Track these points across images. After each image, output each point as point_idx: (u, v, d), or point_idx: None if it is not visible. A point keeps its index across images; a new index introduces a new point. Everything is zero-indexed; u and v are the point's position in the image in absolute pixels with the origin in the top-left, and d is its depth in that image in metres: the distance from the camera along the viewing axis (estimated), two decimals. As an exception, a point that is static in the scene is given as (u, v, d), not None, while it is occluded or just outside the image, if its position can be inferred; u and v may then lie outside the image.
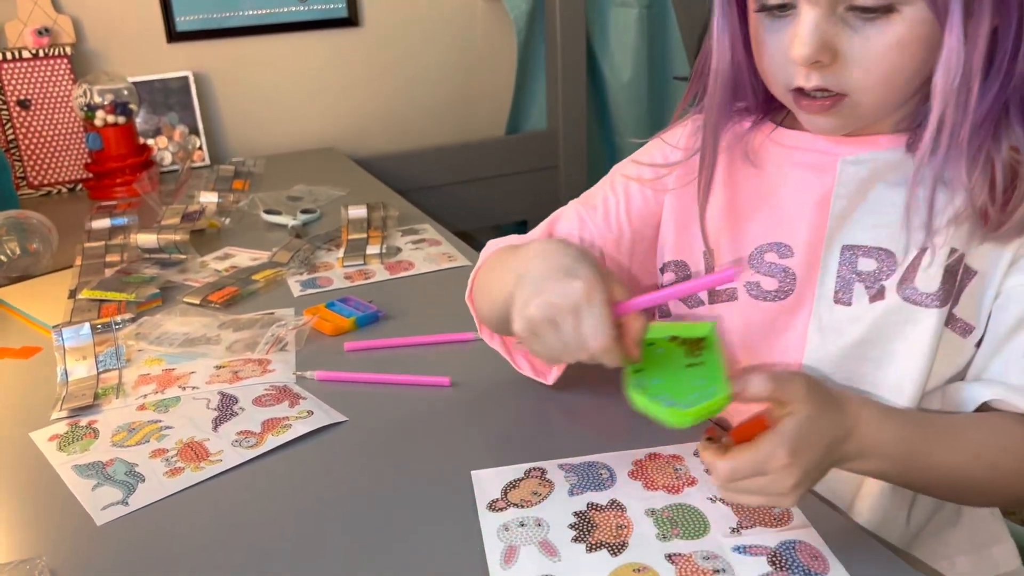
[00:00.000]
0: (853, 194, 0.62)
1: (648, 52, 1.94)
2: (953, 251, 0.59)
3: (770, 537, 0.55)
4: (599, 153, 2.07)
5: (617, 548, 0.55)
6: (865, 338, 0.62)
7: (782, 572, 0.52)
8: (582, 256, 0.59)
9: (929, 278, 0.60)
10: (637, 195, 0.72)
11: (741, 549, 0.54)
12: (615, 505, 0.59)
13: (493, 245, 0.77)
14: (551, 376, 0.75)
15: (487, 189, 1.93)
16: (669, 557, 0.54)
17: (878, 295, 0.61)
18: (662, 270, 0.73)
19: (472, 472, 0.64)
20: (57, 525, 0.63)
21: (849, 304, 0.63)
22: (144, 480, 0.67)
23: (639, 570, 0.53)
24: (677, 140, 0.72)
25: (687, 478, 0.62)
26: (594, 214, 0.73)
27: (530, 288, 0.57)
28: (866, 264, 0.62)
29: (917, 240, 0.59)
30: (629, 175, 0.73)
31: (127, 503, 0.64)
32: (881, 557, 0.53)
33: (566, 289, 0.55)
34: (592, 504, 0.60)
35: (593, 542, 0.56)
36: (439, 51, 1.88)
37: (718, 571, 0.52)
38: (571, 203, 0.76)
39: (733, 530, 0.56)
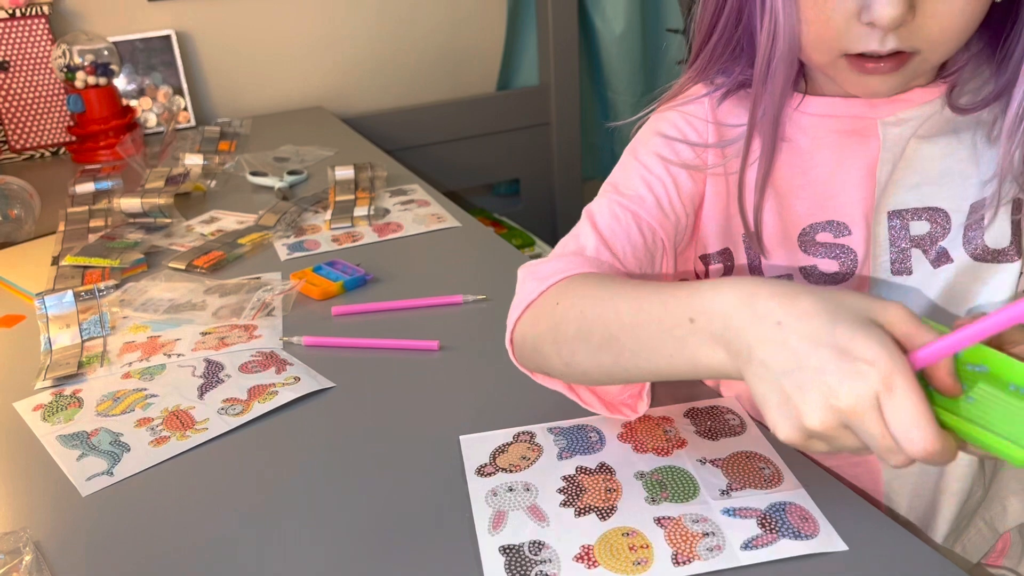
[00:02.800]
0: (897, 157, 0.59)
1: (641, 4, 1.90)
2: (1018, 201, 0.57)
3: (760, 499, 0.55)
4: (591, 109, 2.04)
5: (606, 512, 0.55)
6: (936, 306, 0.60)
7: (771, 534, 0.51)
8: (838, 306, 0.41)
9: (999, 232, 0.57)
10: (683, 176, 0.64)
11: (730, 511, 0.54)
12: (604, 468, 0.59)
13: (545, 273, 0.58)
14: (641, 407, 0.63)
15: (477, 147, 1.90)
16: (658, 520, 0.53)
17: (942, 258, 0.59)
18: (704, 260, 0.67)
19: (460, 437, 0.64)
20: (41, 496, 0.63)
21: (910, 273, 0.60)
22: (129, 450, 0.66)
23: (628, 534, 0.53)
24: (705, 115, 0.65)
25: (677, 440, 0.61)
26: (645, 204, 0.62)
27: (786, 379, 0.40)
28: (918, 227, 0.59)
29: (985, 192, 0.56)
30: (666, 156, 0.64)
31: (112, 473, 0.63)
32: (871, 518, 0.53)
33: (855, 384, 0.38)
34: (581, 468, 0.59)
35: (582, 506, 0.55)
36: (427, 5, 1.83)
37: (707, 534, 0.52)
38: (604, 197, 0.64)
39: (723, 492, 0.55)
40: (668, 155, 0.64)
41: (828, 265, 0.63)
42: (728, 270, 0.67)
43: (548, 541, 0.53)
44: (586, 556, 0.51)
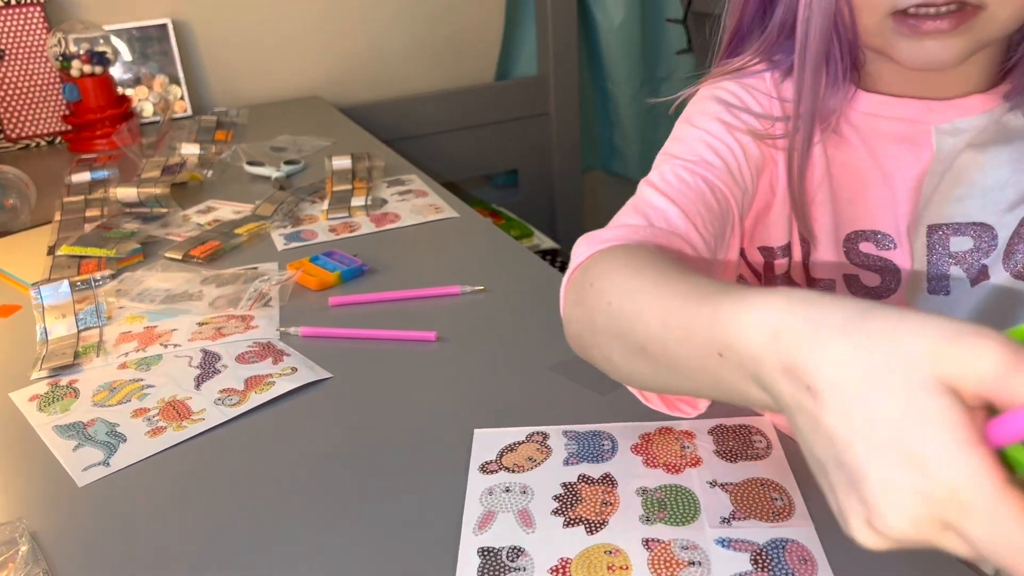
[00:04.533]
0: (946, 169, 0.54)
1: (640, -7, 1.89)
2: None
3: (762, 532, 0.50)
4: (591, 100, 2.03)
5: (596, 526, 0.53)
6: None
7: (762, 572, 0.48)
8: (890, 361, 0.29)
9: None
10: (751, 144, 0.57)
11: (725, 542, 0.50)
12: (607, 480, 0.57)
13: (596, 240, 0.50)
14: (702, 404, 0.57)
15: (476, 138, 1.89)
16: (646, 542, 0.51)
17: (980, 276, 0.54)
18: (767, 254, 0.60)
19: (475, 431, 0.63)
20: (37, 487, 0.62)
21: (947, 293, 0.55)
22: (126, 440, 0.66)
23: (611, 552, 0.51)
24: (768, 89, 0.59)
25: (692, 458, 0.57)
26: (714, 168, 0.55)
27: (831, 472, 0.31)
28: (960, 243, 0.54)
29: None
30: (729, 121, 0.57)
31: (108, 464, 0.63)
32: (880, 563, 0.50)
33: (927, 480, 0.27)
34: (584, 476, 0.57)
35: (573, 517, 0.54)
36: (426, -6, 1.83)
37: (693, 563, 0.48)
38: (663, 165, 0.56)
39: (724, 520, 0.52)
40: (732, 121, 0.57)
41: (870, 278, 0.58)
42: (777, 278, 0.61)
43: (528, 548, 0.51)
44: (562, 569, 0.49)
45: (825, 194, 0.58)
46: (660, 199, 0.52)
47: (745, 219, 0.57)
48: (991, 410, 0.28)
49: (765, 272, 0.63)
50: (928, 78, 0.54)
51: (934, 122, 0.54)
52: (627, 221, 0.52)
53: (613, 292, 0.44)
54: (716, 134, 0.57)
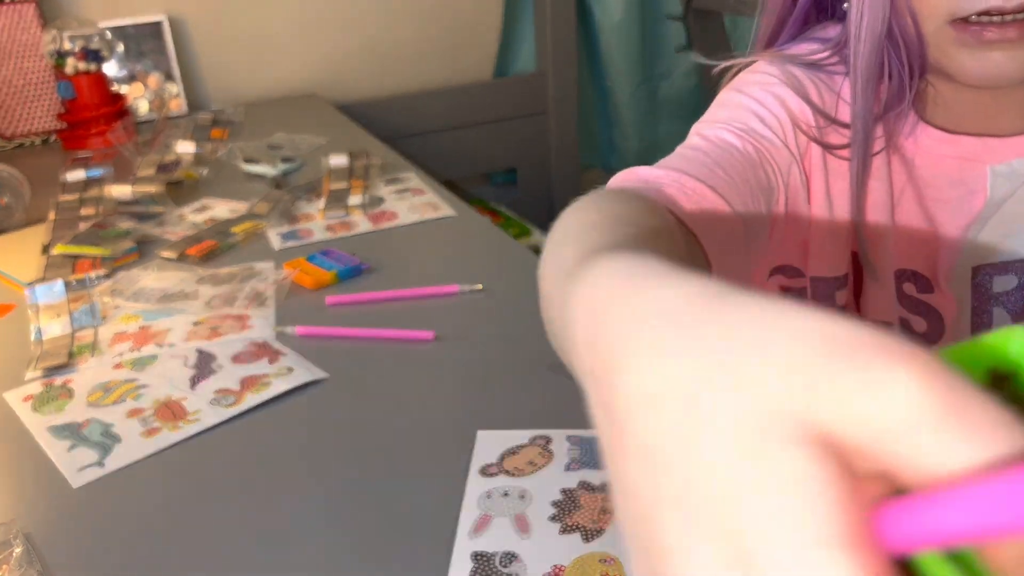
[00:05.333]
0: (994, 212, 0.50)
1: (639, -10, 1.88)
2: None
3: None
4: (590, 98, 2.02)
5: (592, 534, 0.52)
6: None
7: None
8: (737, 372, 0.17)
9: None
10: (794, 134, 0.50)
11: None
12: (607, 487, 0.56)
13: (615, 181, 0.44)
14: None
15: (474, 136, 1.88)
16: None
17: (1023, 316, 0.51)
18: (773, 272, 0.55)
19: (478, 432, 0.62)
20: (32, 488, 0.62)
21: None
22: (120, 441, 0.65)
23: (605, 560, 0.50)
24: (835, 86, 0.53)
25: None
26: (763, 140, 0.49)
27: (646, 512, 0.18)
28: (1003, 283, 0.51)
29: None
30: (783, 97, 0.51)
31: (103, 464, 0.63)
32: None
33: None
34: (584, 483, 0.57)
35: (570, 524, 0.53)
36: (423, -9, 1.82)
37: None
38: (704, 128, 0.50)
39: None
40: (786, 98, 0.51)
41: (918, 323, 0.53)
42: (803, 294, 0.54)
43: (522, 554, 0.51)
44: None
45: (890, 219, 0.52)
46: (699, 145, 0.47)
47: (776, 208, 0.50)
48: (897, 487, 0.16)
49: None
50: (989, 110, 0.51)
51: (991, 161, 0.50)
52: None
53: (553, 237, 0.36)
54: (767, 104, 0.50)
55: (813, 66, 0.52)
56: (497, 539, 0.52)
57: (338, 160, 1.19)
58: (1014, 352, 0.17)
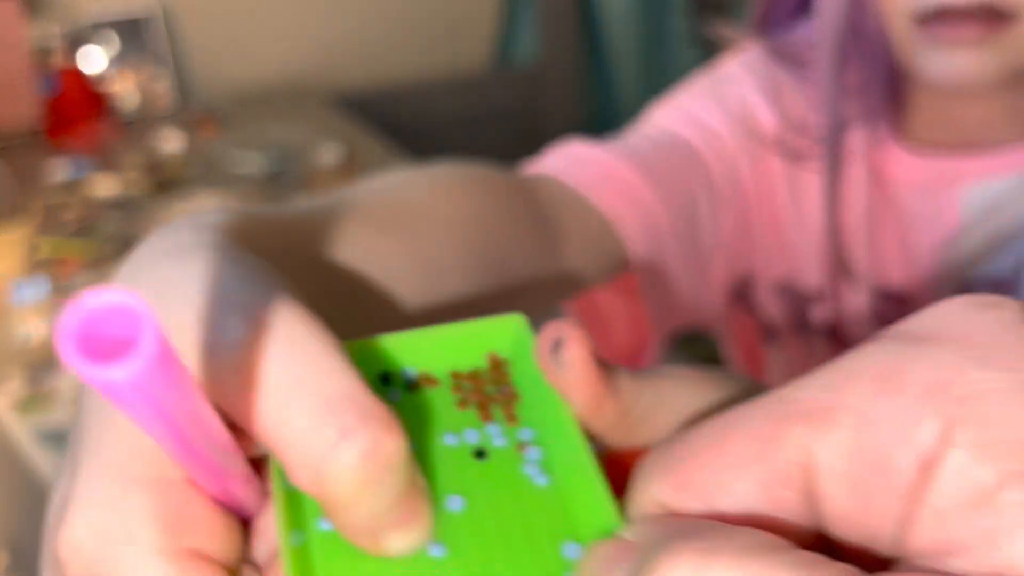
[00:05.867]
0: (971, 235, 0.48)
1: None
2: None
3: None
4: (592, 91, 2.01)
5: None
6: None
7: None
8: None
9: None
10: (744, 129, 0.49)
11: None
12: None
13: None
14: None
15: (471, 130, 1.87)
16: None
17: None
18: (740, 288, 0.52)
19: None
20: (16, 495, 0.60)
21: None
22: (108, 445, 0.63)
23: None
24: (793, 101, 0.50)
25: None
26: (709, 117, 0.48)
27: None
28: None
29: None
30: (748, 98, 0.49)
31: (91, 470, 0.61)
32: None
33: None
34: None
35: None
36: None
37: None
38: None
39: None
40: (752, 101, 0.49)
41: None
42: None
43: None
44: None
45: (859, 235, 0.50)
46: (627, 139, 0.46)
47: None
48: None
49: (791, 325, 0.53)
50: (965, 122, 0.49)
51: (965, 179, 0.48)
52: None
53: None
54: (730, 104, 0.49)
55: (795, 62, 0.50)
56: None
57: (329, 154, 1.18)
58: (510, 340, 0.19)
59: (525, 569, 0.16)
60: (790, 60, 0.50)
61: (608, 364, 0.17)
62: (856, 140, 0.49)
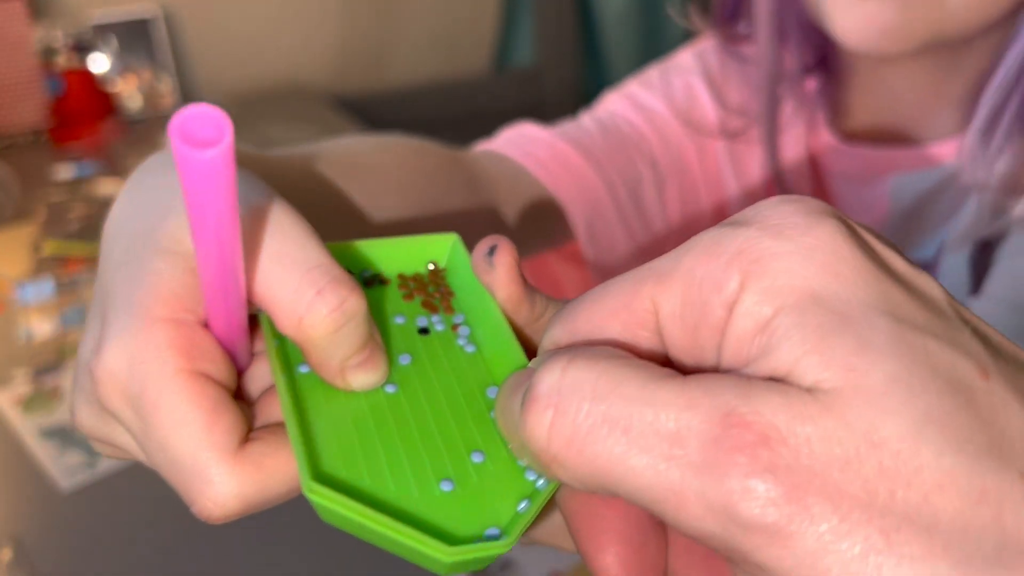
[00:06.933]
0: (900, 216, 0.49)
1: (638, -19, 1.87)
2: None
3: None
4: (590, 92, 2.01)
5: None
6: None
7: None
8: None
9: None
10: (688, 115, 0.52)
11: None
12: None
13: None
14: None
15: (471, 131, 1.86)
16: None
17: None
18: None
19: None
20: (21, 491, 0.61)
21: None
22: (111, 442, 0.64)
23: None
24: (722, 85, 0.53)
25: None
26: (654, 102, 0.52)
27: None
28: None
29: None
30: (695, 87, 0.53)
31: (94, 466, 0.62)
32: None
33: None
34: None
35: None
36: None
37: None
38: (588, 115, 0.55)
39: None
40: (698, 91, 0.53)
41: None
42: None
43: (520, 559, 0.50)
44: None
45: None
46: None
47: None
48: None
49: None
50: (898, 114, 0.49)
51: (896, 169, 0.48)
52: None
53: None
54: (676, 92, 0.53)
55: (739, 51, 0.52)
56: None
57: (331, 156, 1.18)
58: (446, 252, 0.24)
59: (458, 404, 0.20)
60: (735, 48, 0.53)
61: (528, 283, 0.22)
62: (794, 130, 0.51)
